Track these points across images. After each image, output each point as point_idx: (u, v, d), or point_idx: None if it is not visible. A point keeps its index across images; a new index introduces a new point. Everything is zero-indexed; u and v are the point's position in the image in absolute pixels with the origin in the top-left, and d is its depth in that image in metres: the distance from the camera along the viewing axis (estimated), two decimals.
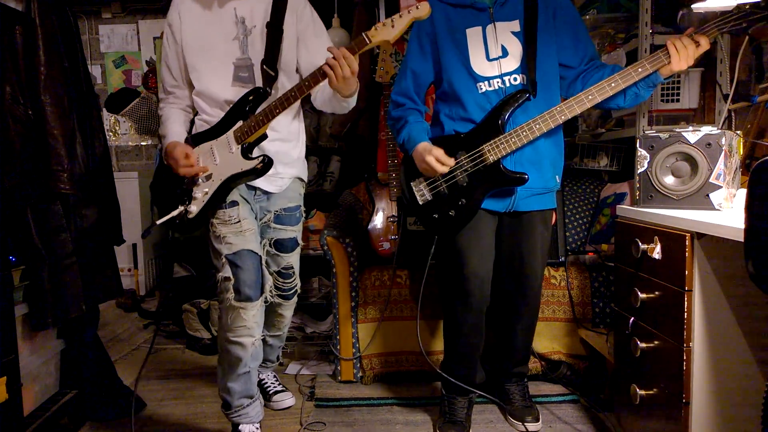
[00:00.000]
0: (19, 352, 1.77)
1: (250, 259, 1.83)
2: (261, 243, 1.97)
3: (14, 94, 1.86)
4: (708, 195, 1.58)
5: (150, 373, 2.68)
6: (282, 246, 2.03)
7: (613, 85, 1.74)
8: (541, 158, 1.88)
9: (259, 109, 1.78)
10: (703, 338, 1.44)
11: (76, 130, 2.00)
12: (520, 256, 1.98)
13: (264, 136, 1.80)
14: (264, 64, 1.83)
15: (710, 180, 1.57)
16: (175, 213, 1.87)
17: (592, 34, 2.68)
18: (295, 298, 2.18)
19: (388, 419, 2.16)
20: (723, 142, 1.56)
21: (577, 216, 2.72)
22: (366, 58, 3.28)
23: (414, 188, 1.95)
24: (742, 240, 1.06)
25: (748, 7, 1.58)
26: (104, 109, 4.11)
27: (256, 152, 1.81)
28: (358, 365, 2.47)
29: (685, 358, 1.44)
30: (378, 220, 2.67)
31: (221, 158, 1.82)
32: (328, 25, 3.59)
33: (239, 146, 1.79)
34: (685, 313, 1.43)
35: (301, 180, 2.06)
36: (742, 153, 1.76)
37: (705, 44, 1.66)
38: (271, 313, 2.13)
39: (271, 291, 1.96)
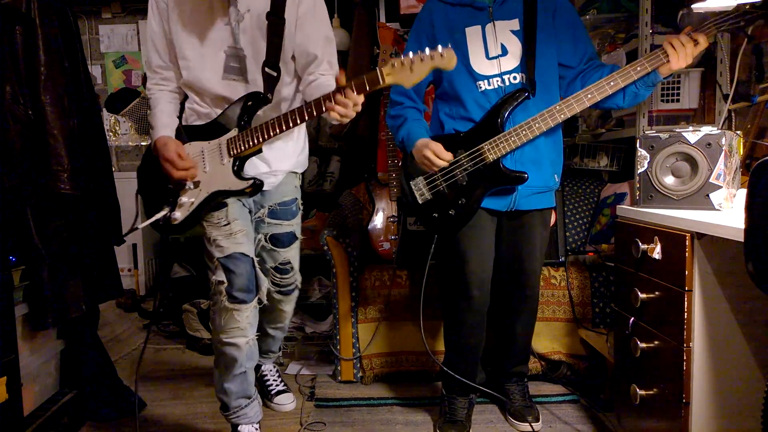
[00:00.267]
0: (19, 352, 1.77)
1: (242, 262, 1.79)
2: (256, 239, 1.93)
3: (14, 94, 1.86)
4: (708, 195, 1.58)
5: (150, 373, 2.68)
6: (278, 241, 1.98)
7: (612, 83, 1.74)
8: (541, 157, 1.88)
9: (259, 113, 1.72)
10: (703, 338, 1.44)
11: (76, 130, 2.00)
12: (519, 256, 1.98)
13: (259, 151, 1.74)
14: (265, 65, 1.72)
15: (710, 180, 1.57)
16: (159, 216, 1.80)
17: (592, 34, 2.68)
18: (296, 293, 2.14)
19: (388, 419, 2.16)
20: (723, 142, 1.56)
21: (577, 216, 2.72)
22: (366, 58, 3.28)
23: (413, 187, 1.95)
24: (742, 240, 1.06)
25: (748, 6, 1.58)
26: (104, 109, 4.11)
27: (252, 163, 1.77)
28: (358, 365, 2.47)
29: (685, 358, 1.44)
30: (378, 220, 2.67)
31: (211, 167, 1.75)
32: None
33: (231, 160, 1.72)
34: (685, 313, 1.43)
35: (296, 173, 1.99)
36: (742, 153, 1.76)
37: (703, 43, 1.66)
38: (271, 308, 2.10)
39: (271, 293, 1.93)
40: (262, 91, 1.74)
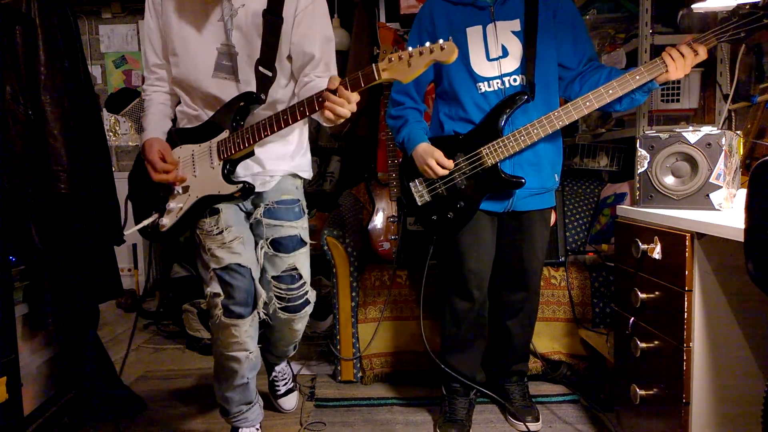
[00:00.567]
0: (19, 352, 1.76)
1: (239, 273, 1.70)
2: (258, 245, 1.80)
3: (14, 94, 1.86)
4: (708, 195, 1.58)
5: (150, 373, 2.68)
6: (280, 245, 1.80)
7: (611, 92, 1.74)
8: (540, 160, 1.88)
9: (250, 115, 1.64)
10: (703, 338, 1.44)
11: (76, 130, 2.00)
12: (519, 255, 1.98)
13: (251, 154, 1.66)
14: (259, 64, 1.64)
15: (710, 180, 1.57)
16: (147, 222, 1.74)
17: (592, 34, 2.68)
18: (309, 308, 1.91)
19: (388, 419, 2.16)
20: (723, 142, 1.56)
21: (577, 216, 2.72)
22: (366, 58, 3.28)
23: (413, 189, 1.95)
24: (742, 240, 1.06)
25: (748, 7, 1.58)
26: (104, 109, 4.11)
27: (244, 163, 1.69)
28: (358, 365, 2.47)
29: (685, 358, 1.44)
30: (378, 220, 2.67)
31: (201, 171, 1.68)
32: None
33: (221, 163, 1.64)
34: (685, 313, 1.43)
35: (295, 176, 1.84)
36: (742, 153, 1.76)
37: (703, 54, 1.67)
38: (282, 331, 1.94)
39: (276, 311, 1.81)
40: (254, 91, 1.66)
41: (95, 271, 2.10)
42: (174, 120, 1.83)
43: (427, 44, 1.38)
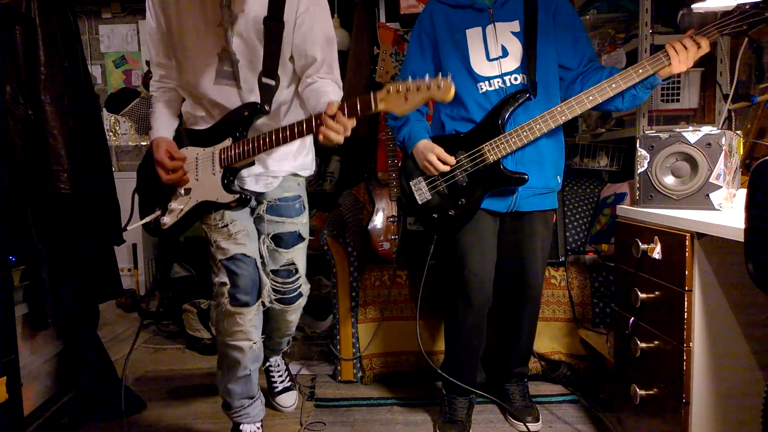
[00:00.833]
0: (19, 352, 1.77)
1: (245, 263, 1.76)
2: (260, 239, 1.86)
3: (14, 94, 1.86)
4: (708, 195, 1.58)
5: (150, 373, 2.68)
6: (281, 240, 1.89)
7: (614, 86, 1.74)
8: (543, 158, 1.88)
9: (253, 124, 1.68)
10: (703, 338, 1.44)
11: (76, 130, 2.00)
12: (521, 257, 1.98)
13: (251, 164, 1.71)
14: (262, 75, 1.66)
15: (710, 180, 1.57)
16: (149, 218, 1.79)
17: (592, 34, 2.68)
18: (302, 301, 2.02)
19: (388, 419, 2.16)
20: (723, 142, 1.56)
21: (577, 216, 2.72)
22: (366, 58, 3.29)
23: (413, 187, 1.94)
24: (742, 240, 1.06)
25: (748, 6, 1.58)
26: (104, 109, 4.11)
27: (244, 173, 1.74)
28: (358, 365, 2.47)
29: (685, 358, 1.44)
30: (378, 220, 2.67)
31: (202, 176, 1.72)
32: None
33: (221, 170, 1.68)
34: (685, 313, 1.43)
35: (297, 175, 1.90)
36: (742, 153, 1.76)
37: (705, 46, 1.67)
38: (277, 321, 2.04)
39: (269, 296, 1.87)
40: (256, 98, 1.69)
41: (95, 271, 2.10)
42: (180, 117, 1.86)
43: (427, 78, 1.40)
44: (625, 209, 1.77)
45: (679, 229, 1.46)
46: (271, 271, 1.92)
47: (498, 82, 1.85)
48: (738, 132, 1.73)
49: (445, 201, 1.89)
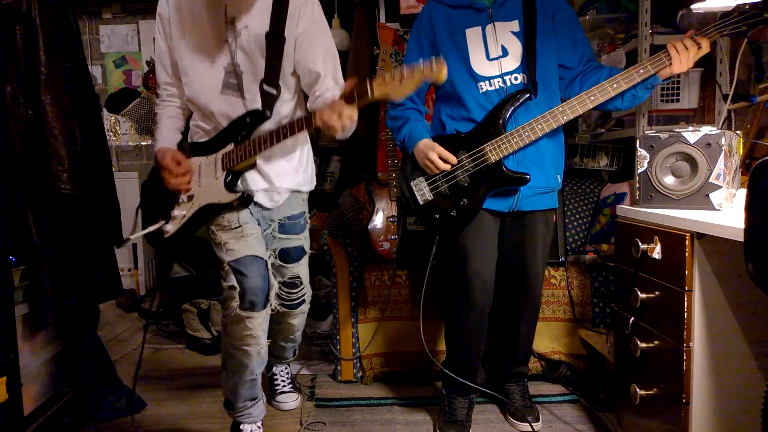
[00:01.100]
0: (19, 352, 1.77)
1: (254, 265, 1.76)
2: (267, 252, 1.89)
3: (14, 94, 1.86)
4: (708, 195, 1.58)
5: (150, 373, 2.68)
6: (288, 256, 1.96)
7: (615, 85, 1.74)
8: (544, 158, 1.88)
9: (256, 131, 1.71)
10: (703, 338, 1.44)
11: (76, 130, 2.00)
12: (522, 257, 1.98)
13: (252, 165, 1.74)
14: (264, 82, 1.72)
15: (710, 180, 1.57)
16: (151, 229, 1.81)
17: (592, 34, 2.68)
18: (305, 307, 2.10)
19: (388, 419, 2.16)
20: (723, 142, 1.56)
21: (577, 216, 2.72)
22: (366, 58, 3.28)
23: (414, 188, 1.94)
24: (742, 240, 1.06)
25: (747, 6, 1.58)
26: (104, 109, 4.11)
27: (253, 179, 1.76)
28: (358, 365, 2.47)
29: (685, 358, 1.44)
30: (378, 220, 2.67)
31: (205, 181, 1.76)
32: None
33: (224, 173, 1.73)
34: (685, 313, 1.43)
35: (301, 192, 1.97)
36: (742, 153, 1.76)
37: (706, 47, 1.67)
38: (280, 323, 2.08)
39: (278, 300, 1.90)
40: (260, 107, 1.74)
41: (95, 271, 2.10)
42: (186, 132, 1.91)
43: (420, 62, 1.42)
44: (625, 209, 1.77)
45: (679, 229, 1.46)
46: (279, 282, 1.97)
47: (498, 81, 1.85)
48: (738, 132, 1.73)
49: (446, 201, 1.89)
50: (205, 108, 1.79)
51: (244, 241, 1.77)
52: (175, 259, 3.55)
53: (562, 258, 2.39)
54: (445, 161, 1.84)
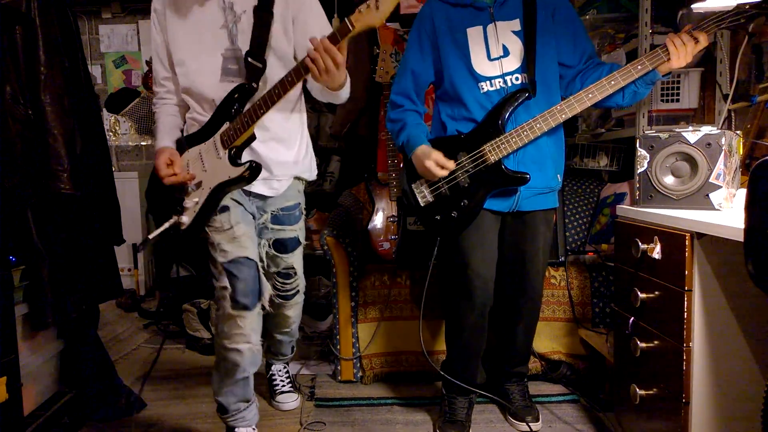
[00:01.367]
0: (19, 352, 1.77)
1: (246, 266, 1.77)
2: (260, 244, 1.91)
3: (14, 94, 1.86)
4: (708, 195, 1.58)
5: (150, 373, 2.67)
6: (282, 246, 1.97)
7: (612, 82, 1.74)
8: (544, 157, 1.88)
9: (246, 107, 1.70)
10: (703, 338, 1.44)
11: (76, 130, 2.00)
12: (522, 257, 1.98)
13: (252, 138, 1.72)
14: (248, 55, 1.71)
15: (710, 180, 1.57)
16: (167, 225, 1.80)
17: (592, 34, 2.68)
18: (299, 297, 2.12)
19: (388, 419, 2.16)
20: (723, 142, 1.56)
21: (577, 216, 2.72)
22: (366, 57, 3.28)
23: (415, 190, 1.94)
24: (742, 240, 1.06)
25: (747, 6, 1.58)
26: (104, 109, 4.12)
27: (246, 155, 1.74)
28: (358, 365, 2.47)
29: (685, 358, 1.44)
30: (378, 220, 2.67)
31: (209, 164, 1.75)
32: None
33: (226, 151, 1.71)
34: (685, 313, 1.43)
35: (301, 179, 1.98)
36: (742, 153, 1.76)
37: (704, 41, 1.67)
38: (276, 315, 2.08)
39: (272, 297, 1.90)
40: (245, 82, 1.73)
41: (95, 271, 2.10)
42: (182, 130, 1.90)
43: None
44: (625, 209, 1.77)
45: (679, 229, 1.46)
46: (273, 272, 2.01)
47: (499, 81, 1.85)
48: (738, 132, 1.73)
49: (447, 202, 1.89)
50: (206, 96, 1.77)
51: (237, 242, 1.77)
52: (175, 259, 3.55)
53: (562, 258, 2.39)
54: (443, 167, 1.84)
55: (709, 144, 1.58)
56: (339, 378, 2.48)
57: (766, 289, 1.01)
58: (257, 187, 1.83)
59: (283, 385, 2.30)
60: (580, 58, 1.91)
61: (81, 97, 2.09)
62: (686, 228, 1.44)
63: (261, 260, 1.90)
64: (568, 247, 2.50)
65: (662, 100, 2.26)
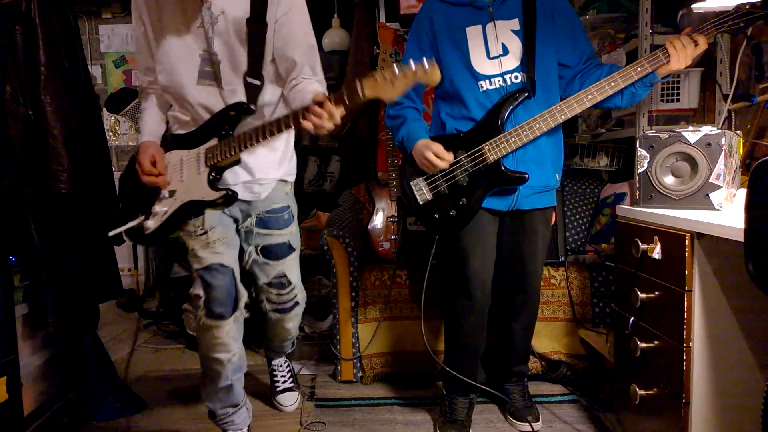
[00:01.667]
0: (19, 352, 1.76)
1: (221, 274, 1.71)
2: (247, 252, 1.83)
3: (14, 94, 1.86)
4: (708, 195, 1.58)
5: (150, 373, 2.68)
6: (270, 253, 1.85)
7: (612, 84, 1.74)
8: (543, 156, 1.88)
9: (239, 125, 1.64)
10: (703, 338, 1.44)
11: (76, 130, 2.00)
12: (521, 256, 1.98)
13: (237, 162, 1.66)
14: (247, 75, 1.65)
15: (710, 180, 1.57)
16: (132, 224, 1.74)
17: (592, 34, 2.68)
18: (298, 309, 2.00)
19: (388, 419, 2.16)
20: (723, 142, 1.56)
21: (577, 216, 2.72)
22: (366, 58, 3.28)
23: (414, 188, 1.94)
24: (742, 240, 1.06)
25: (747, 6, 1.58)
26: (104, 109, 4.11)
27: (233, 171, 1.69)
28: (358, 365, 2.47)
29: (685, 358, 1.44)
30: (378, 220, 2.67)
31: (187, 176, 1.68)
32: (327, 25, 3.61)
33: (207, 169, 1.65)
34: (685, 313, 1.43)
35: (285, 181, 1.87)
36: (741, 153, 1.76)
37: (703, 44, 1.67)
38: (275, 328, 2.03)
39: (268, 312, 1.85)
40: (239, 98, 1.67)
41: (95, 271, 2.10)
42: (167, 123, 1.84)
43: (412, 63, 1.39)
44: (625, 209, 1.77)
45: (679, 229, 1.46)
46: (264, 284, 1.91)
47: (499, 80, 1.85)
48: (738, 132, 1.73)
49: (446, 201, 1.89)
50: (182, 97, 1.71)
51: (211, 249, 1.71)
52: (175, 259, 3.55)
53: (562, 258, 2.39)
54: (442, 159, 1.83)
55: (709, 144, 1.58)
56: (339, 378, 2.48)
57: (766, 289, 1.01)
58: (239, 191, 1.73)
59: (284, 381, 2.29)
60: (580, 58, 1.91)
61: (81, 96, 2.09)
62: (686, 228, 1.44)
63: (242, 267, 1.83)
64: (568, 247, 2.50)
65: (662, 100, 2.26)
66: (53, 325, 1.97)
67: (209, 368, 1.82)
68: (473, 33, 1.87)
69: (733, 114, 2.09)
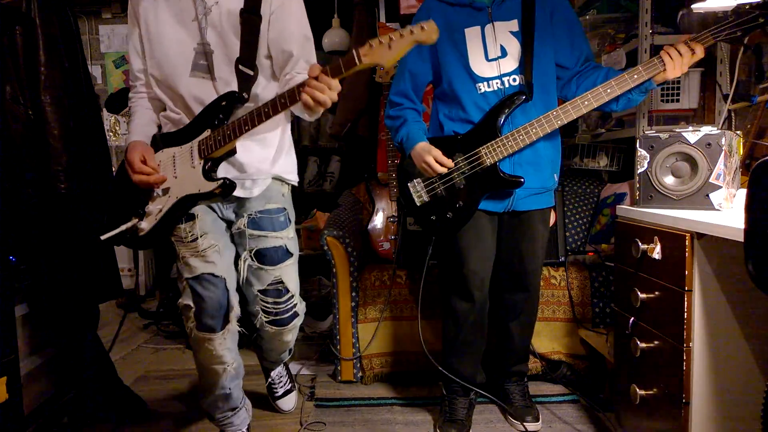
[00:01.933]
0: (19, 352, 1.76)
1: (212, 284, 1.65)
2: (242, 257, 1.75)
3: (14, 94, 1.86)
4: (708, 195, 1.58)
5: (150, 373, 2.68)
6: (264, 257, 1.74)
7: (609, 90, 1.74)
8: (540, 159, 1.88)
9: (232, 115, 1.59)
10: (703, 338, 1.44)
11: (76, 130, 2.00)
12: (519, 256, 1.98)
13: (232, 152, 1.60)
14: (239, 63, 1.60)
15: (710, 180, 1.57)
16: (124, 227, 1.66)
17: (592, 34, 2.68)
18: (297, 321, 1.88)
19: (388, 419, 2.16)
20: (723, 142, 1.56)
21: (577, 216, 2.72)
22: None
23: (411, 189, 1.94)
24: (742, 240, 1.06)
25: (747, 7, 1.58)
26: (104, 109, 4.11)
27: (222, 167, 1.62)
28: (358, 365, 2.47)
29: (685, 358, 1.44)
30: (378, 220, 2.67)
31: (181, 171, 1.62)
32: (327, 25, 3.61)
33: (201, 161, 1.59)
34: (685, 313, 1.43)
35: (281, 180, 1.78)
36: (742, 153, 1.76)
37: (700, 52, 1.67)
38: (272, 341, 1.93)
39: (264, 324, 1.78)
40: (233, 89, 1.62)
41: (95, 271, 2.10)
42: (159, 126, 1.80)
43: (408, 27, 1.36)
44: (625, 209, 1.77)
45: (679, 229, 1.46)
46: (259, 291, 1.78)
47: (497, 83, 1.85)
48: (738, 132, 1.73)
49: (442, 203, 1.89)
50: (174, 91, 1.67)
51: (202, 257, 1.65)
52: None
53: (562, 258, 2.39)
54: (442, 165, 1.84)
55: (709, 144, 1.58)
56: (339, 378, 2.48)
57: (766, 290, 1.01)
58: None
59: (282, 385, 2.27)
60: (577, 60, 1.91)
61: (81, 97, 2.09)
62: (686, 228, 1.44)
63: (238, 273, 1.76)
64: (568, 247, 2.50)
65: (662, 101, 2.26)
66: (53, 325, 1.97)
67: (206, 378, 1.79)
68: (472, 34, 1.86)
69: (733, 114, 2.09)
